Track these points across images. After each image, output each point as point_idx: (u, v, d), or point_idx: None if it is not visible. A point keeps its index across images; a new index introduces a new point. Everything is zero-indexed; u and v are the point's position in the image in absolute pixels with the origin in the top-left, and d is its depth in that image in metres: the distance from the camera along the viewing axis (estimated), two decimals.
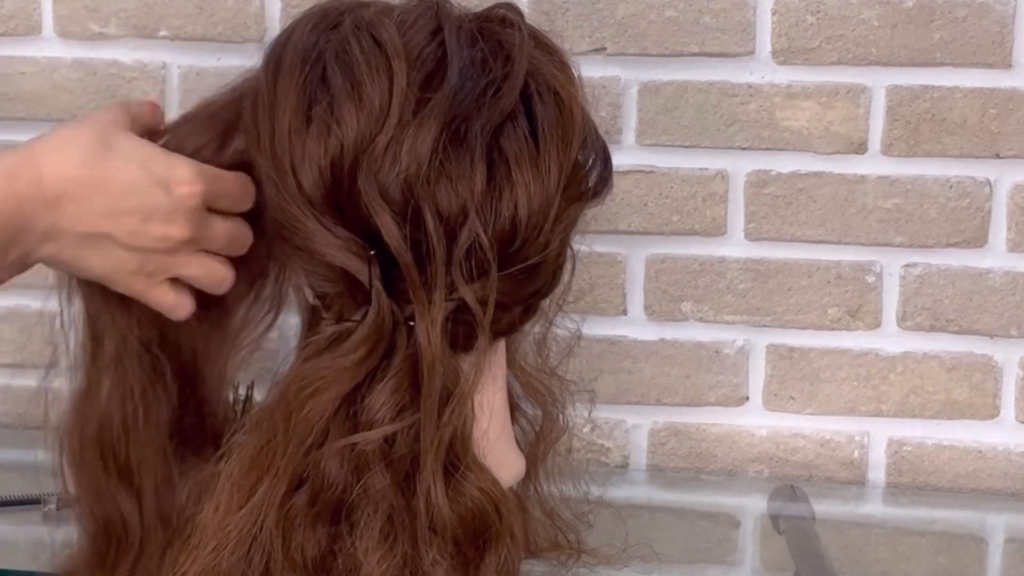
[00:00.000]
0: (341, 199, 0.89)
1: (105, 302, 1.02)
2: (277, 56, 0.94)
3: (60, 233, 0.93)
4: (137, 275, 0.96)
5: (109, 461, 1.02)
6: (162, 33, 1.54)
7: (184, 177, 0.96)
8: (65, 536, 1.25)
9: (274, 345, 1.13)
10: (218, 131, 1.00)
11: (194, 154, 0.99)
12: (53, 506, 1.34)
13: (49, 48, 1.56)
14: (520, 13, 0.97)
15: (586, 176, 0.96)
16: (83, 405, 1.03)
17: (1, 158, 0.92)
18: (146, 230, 0.95)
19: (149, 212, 0.94)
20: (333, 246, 0.89)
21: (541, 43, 0.96)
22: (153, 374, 1.02)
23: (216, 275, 0.99)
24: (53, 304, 1.58)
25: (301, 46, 0.92)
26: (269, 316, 1.07)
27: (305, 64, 0.91)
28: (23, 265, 0.95)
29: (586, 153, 0.96)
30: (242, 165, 0.99)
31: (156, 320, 1.01)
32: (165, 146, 0.99)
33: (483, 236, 0.88)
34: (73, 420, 1.03)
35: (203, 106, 1.03)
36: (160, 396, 1.03)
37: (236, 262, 1.00)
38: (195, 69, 1.54)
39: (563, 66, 0.96)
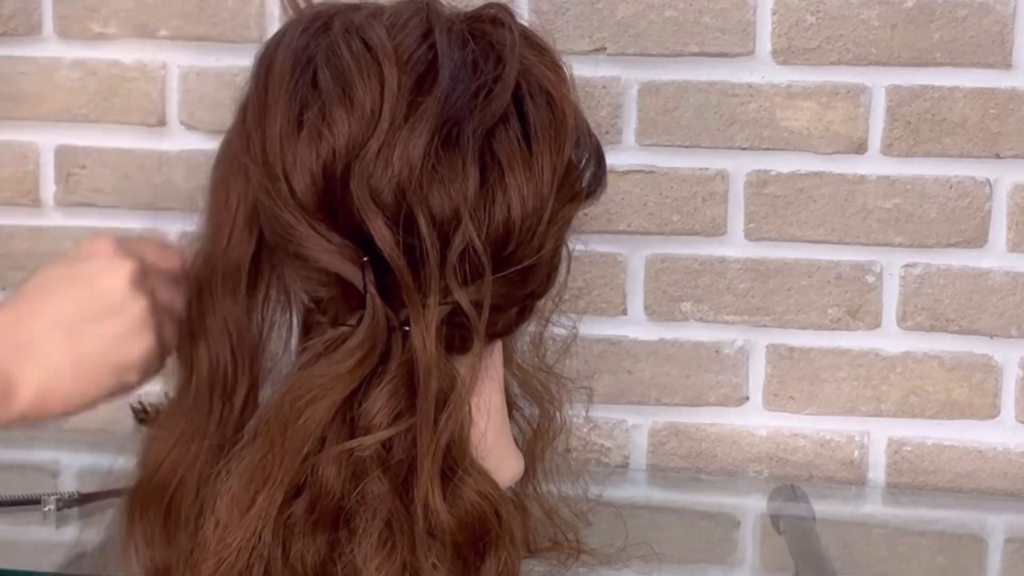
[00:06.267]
0: (334, 204, 0.89)
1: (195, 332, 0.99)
2: (268, 60, 0.93)
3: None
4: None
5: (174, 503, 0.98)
6: (162, 33, 1.54)
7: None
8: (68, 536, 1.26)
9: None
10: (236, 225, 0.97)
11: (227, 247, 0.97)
12: (53, 506, 1.34)
13: (49, 48, 1.57)
14: (511, 13, 0.96)
15: (580, 176, 0.96)
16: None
17: None
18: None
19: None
20: (326, 251, 0.89)
21: (532, 43, 0.96)
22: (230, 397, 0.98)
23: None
24: None
25: (291, 50, 0.92)
26: (285, 316, 1.06)
27: (296, 68, 0.91)
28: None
29: (579, 153, 0.96)
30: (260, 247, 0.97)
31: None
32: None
33: (476, 239, 0.88)
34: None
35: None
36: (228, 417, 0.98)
37: (237, 266, 0.99)
38: (195, 69, 1.54)
39: (555, 66, 0.95)
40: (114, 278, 0.93)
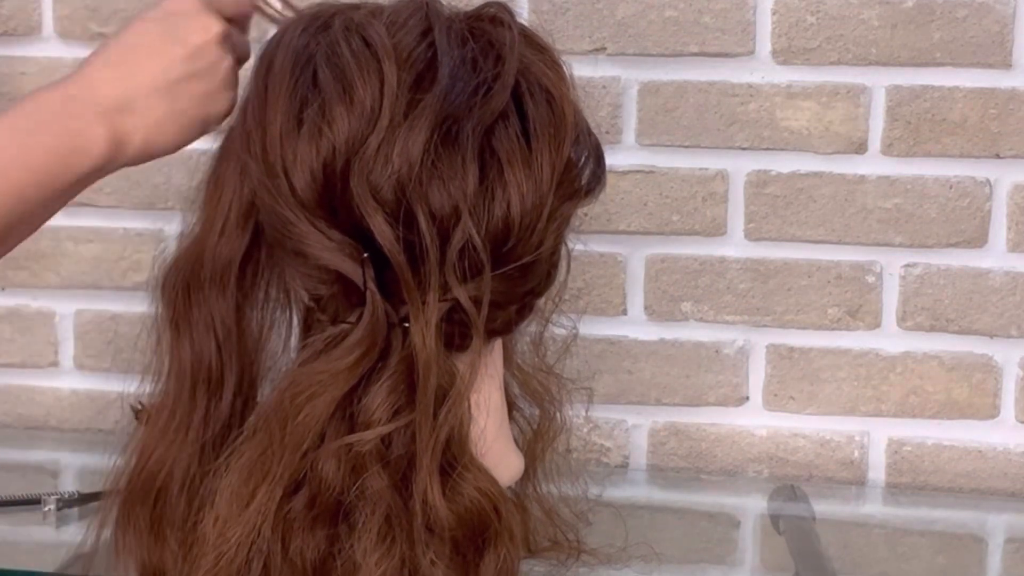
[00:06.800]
0: (334, 201, 0.89)
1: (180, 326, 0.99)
2: (268, 58, 0.94)
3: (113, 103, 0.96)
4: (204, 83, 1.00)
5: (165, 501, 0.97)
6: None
7: None
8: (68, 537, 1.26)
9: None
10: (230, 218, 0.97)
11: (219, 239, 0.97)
12: (53, 506, 1.34)
13: (49, 48, 1.57)
14: (511, 12, 0.96)
15: (579, 174, 0.96)
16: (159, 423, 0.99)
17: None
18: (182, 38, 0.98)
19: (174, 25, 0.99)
20: (326, 248, 0.89)
21: (532, 41, 0.96)
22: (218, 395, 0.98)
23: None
24: (57, 307, 1.59)
25: (292, 48, 0.92)
26: (285, 315, 1.06)
27: (296, 66, 0.91)
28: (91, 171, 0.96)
29: (579, 151, 0.96)
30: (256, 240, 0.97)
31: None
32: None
33: (476, 236, 0.88)
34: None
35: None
36: (218, 417, 0.98)
37: (227, 262, 0.99)
38: None
39: (554, 64, 0.96)
40: (206, 36, 0.99)
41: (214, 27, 0.99)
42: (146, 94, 0.97)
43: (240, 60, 1.03)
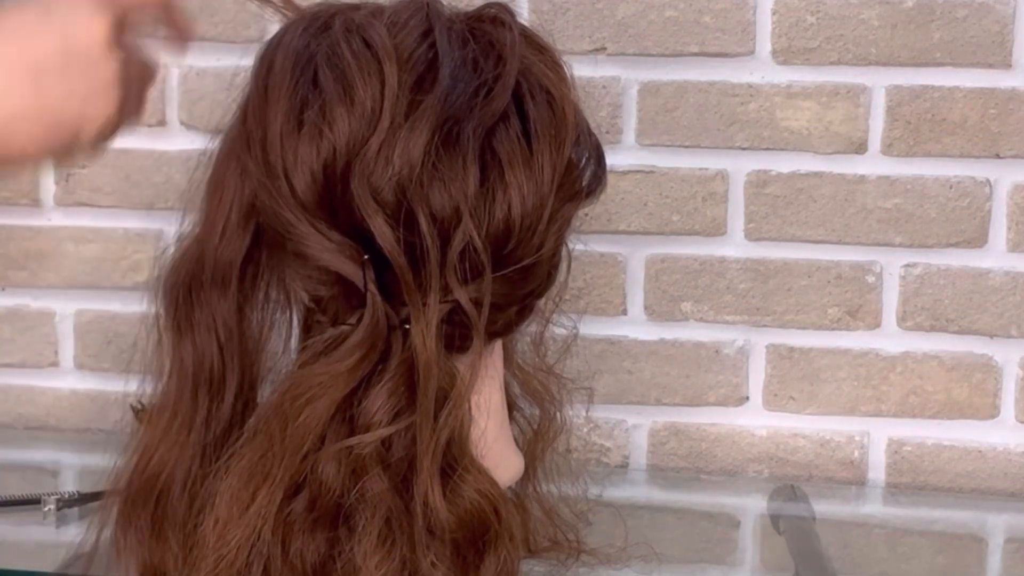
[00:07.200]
0: (334, 202, 0.89)
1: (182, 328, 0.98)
2: (268, 59, 0.94)
3: None
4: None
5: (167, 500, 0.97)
6: (162, 33, 1.54)
7: None
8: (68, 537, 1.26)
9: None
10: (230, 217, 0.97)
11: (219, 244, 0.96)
12: (53, 506, 1.34)
13: None
14: (511, 12, 0.97)
15: (580, 175, 0.96)
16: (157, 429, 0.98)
17: None
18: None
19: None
20: (327, 250, 0.89)
21: (532, 42, 0.96)
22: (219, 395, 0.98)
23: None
24: (57, 307, 1.59)
25: (292, 49, 0.92)
26: (284, 315, 1.05)
27: (296, 67, 0.91)
28: None
29: (579, 152, 0.96)
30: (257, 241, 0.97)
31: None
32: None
33: (477, 238, 0.88)
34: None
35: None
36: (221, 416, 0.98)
37: (229, 264, 0.98)
38: (195, 69, 1.54)
39: (555, 65, 0.96)
40: (89, 34, 0.84)
41: (102, 24, 0.84)
42: (9, 78, 0.82)
43: (141, 65, 0.89)
